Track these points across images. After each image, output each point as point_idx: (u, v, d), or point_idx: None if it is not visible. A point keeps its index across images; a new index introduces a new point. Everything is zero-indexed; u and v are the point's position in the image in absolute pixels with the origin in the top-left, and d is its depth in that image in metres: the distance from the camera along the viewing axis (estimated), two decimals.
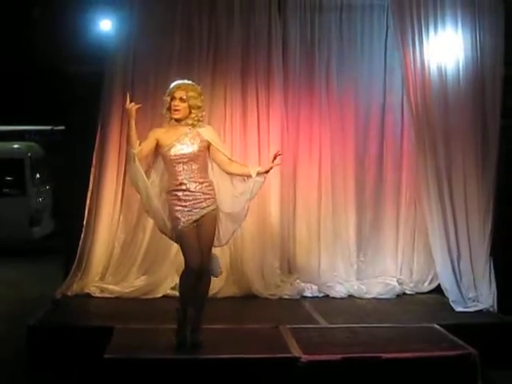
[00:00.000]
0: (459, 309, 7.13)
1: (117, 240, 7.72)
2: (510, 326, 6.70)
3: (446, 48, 7.32)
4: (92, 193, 7.65)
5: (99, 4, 7.63)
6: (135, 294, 7.51)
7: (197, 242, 5.63)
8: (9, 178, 12.59)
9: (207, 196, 5.67)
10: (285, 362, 5.64)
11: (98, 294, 7.50)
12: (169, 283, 7.52)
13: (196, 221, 5.64)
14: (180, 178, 5.63)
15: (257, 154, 7.72)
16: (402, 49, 7.39)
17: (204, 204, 5.65)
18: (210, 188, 5.70)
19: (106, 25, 7.67)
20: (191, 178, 5.64)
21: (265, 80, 7.80)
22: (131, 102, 5.63)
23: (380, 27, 7.98)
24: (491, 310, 7.10)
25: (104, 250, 7.66)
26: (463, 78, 7.30)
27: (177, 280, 6.42)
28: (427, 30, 7.33)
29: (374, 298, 7.70)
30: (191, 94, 5.67)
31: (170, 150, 5.65)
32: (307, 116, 7.91)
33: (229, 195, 5.77)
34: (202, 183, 5.66)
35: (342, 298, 7.72)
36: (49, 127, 14.76)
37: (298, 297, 7.68)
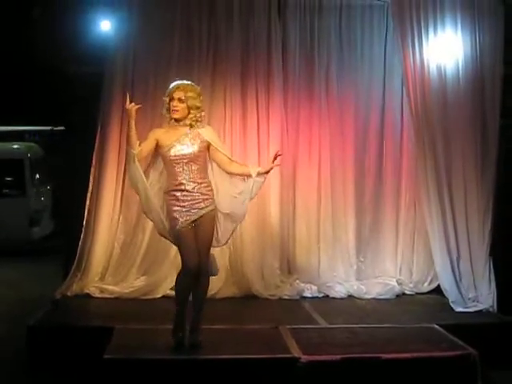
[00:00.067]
0: (459, 309, 7.13)
1: (116, 240, 7.72)
2: (509, 326, 6.70)
3: (446, 49, 7.33)
4: (92, 193, 7.65)
5: (99, 4, 7.63)
6: (135, 294, 7.51)
7: (194, 242, 5.64)
8: (8, 179, 12.58)
9: (205, 196, 5.67)
10: (284, 362, 5.64)
11: (97, 295, 7.50)
12: (168, 283, 7.50)
13: (194, 221, 5.64)
14: (179, 178, 5.64)
15: (256, 156, 7.72)
16: (401, 50, 7.39)
17: (202, 204, 5.65)
18: (208, 188, 5.70)
19: (105, 25, 7.68)
20: (190, 178, 5.64)
21: (264, 82, 7.80)
22: (131, 102, 5.64)
23: (380, 29, 7.99)
24: (491, 310, 7.10)
25: (104, 251, 7.67)
26: (463, 78, 7.31)
27: None
28: (427, 30, 7.33)
29: (373, 299, 7.70)
30: (190, 94, 5.67)
31: (169, 150, 5.65)
32: (307, 118, 7.92)
33: (228, 195, 5.77)
34: (201, 183, 5.66)
35: (341, 299, 7.72)
36: (48, 128, 14.74)
37: (298, 297, 7.69)
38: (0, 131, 15.57)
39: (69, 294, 7.43)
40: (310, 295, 7.74)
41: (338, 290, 7.77)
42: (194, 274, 5.62)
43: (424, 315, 7.04)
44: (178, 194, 5.63)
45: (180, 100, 5.65)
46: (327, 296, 7.77)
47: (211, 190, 5.72)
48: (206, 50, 7.71)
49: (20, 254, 11.47)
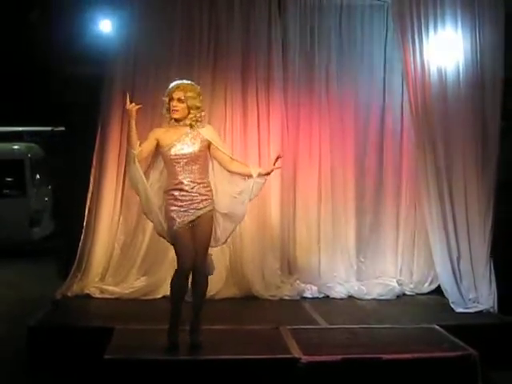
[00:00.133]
0: (459, 310, 7.13)
1: (117, 241, 7.73)
2: (510, 327, 6.70)
3: (447, 48, 7.32)
4: (92, 194, 7.65)
5: (99, 5, 7.62)
6: (135, 294, 7.51)
7: (191, 242, 5.63)
8: (9, 179, 12.58)
9: (204, 197, 5.66)
10: (285, 362, 5.64)
11: (97, 295, 7.51)
12: (168, 284, 7.47)
13: (192, 221, 5.63)
14: (179, 177, 5.63)
15: (257, 154, 7.73)
16: (402, 49, 7.40)
17: (201, 205, 5.64)
18: (207, 189, 5.69)
19: (105, 25, 7.67)
20: (190, 178, 5.63)
21: (265, 80, 7.81)
22: (131, 102, 5.63)
23: (380, 27, 8.00)
24: (491, 310, 7.09)
25: (104, 251, 7.67)
26: (463, 79, 7.30)
27: None
28: (427, 30, 7.33)
29: (374, 299, 7.70)
30: (189, 94, 5.65)
31: (170, 149, 5.64)
32: (307, 115, 7.92)
33: (227, 195, 5.77)
34: (200, 184, 5.65)
35: (342, 299, 7.72)
36: (49, 128, 14.73)
37: (298, 298, 7.69)
38: (0, 132, 15.56)
39: (69, 294, 7.44)
40: (310, 296, 7.74)
41: (339, 291, 7.77)
42: (189, 274, 5.62)
43: (424, 316, 7.03)
44: (177, 193, 5.63)
45: (180, 100, 5.64)
46: (327, 296, 7.77)
47: (210, 190, 5.72)
48: (207, 49, 7.71)
49: (20, 255, 11.48)
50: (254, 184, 5.73)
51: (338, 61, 7.94)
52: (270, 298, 7.64)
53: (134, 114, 5.61)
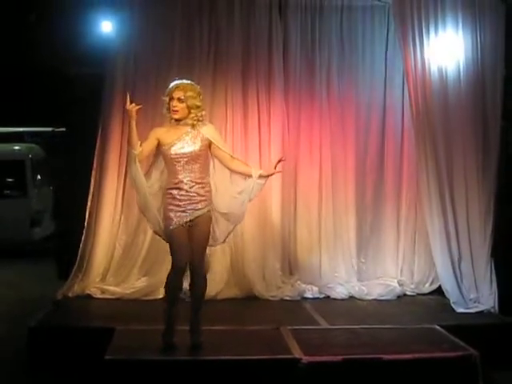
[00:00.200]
0: (460, 310, 7.12)
1: (118, 241, 7.72)
2: (510, 327, 6.70)
3: (447, 49, 7.32)
4: (93, 194, 7.65)
5: (99, 5, 7.63)
6: (136, 295, 7.50)
7: (187, 242, 5.62)
8: (10, 180, 12.59)
9: (202, 198, 5.65)
10: (286, 363, 5.64)
11: (98, 295, 7.50)
12: None
13: (189, 221, 5.62)
14: (179, 176, 5.61)
15: (258, 155, 7.73)
16: (402, 50, 7.39)
17: (199, 206, 5.63)
18: (206, 189, 5.68)
19: (106, 26, 7.67)
20: (190, 177, 5.62)
21: (266, 81, 7.82)
22: (132, 102, 5.62)
23: (381, 28, 8.00)
24: (492, 311, 7.09)
25: (105, 252, 7.66)
26: (464, 79, 7.30)
27: None
28: (428, 31, 7.32)
29: (374, 299, 7.70)
30: (189, 93, 5.64)
31: (170, 148, 5.63)
32: (308, 116, 7.93)
33: (227, 195, 5.76)
34: (199, 184, 5.64)
35: (342, 299, 7.71)
36: (49, 129, 14.74)
37: (299, 298, 7.69)
38: (1, 132, 15.57)
39: (70, 294, 7.43)
40: (311, 296, 7.73)
41: (339, 291, 7.77)
42: (184, 273, 5.64)
43: (425, 316, 7.03)
44: (176, 192, 5.62)
45: (179, 100, 5.63)
46: (328, 297, 7.77)
47: (209, 191, 5.70)
48: (207, 49, 7.71)
49: (21, 255, 11.49)
50: (255, 185, 5.72)
51: (338, 62, 7.94)
52: (271, 298, 7.64)
53: (134, 114, 5.60)
